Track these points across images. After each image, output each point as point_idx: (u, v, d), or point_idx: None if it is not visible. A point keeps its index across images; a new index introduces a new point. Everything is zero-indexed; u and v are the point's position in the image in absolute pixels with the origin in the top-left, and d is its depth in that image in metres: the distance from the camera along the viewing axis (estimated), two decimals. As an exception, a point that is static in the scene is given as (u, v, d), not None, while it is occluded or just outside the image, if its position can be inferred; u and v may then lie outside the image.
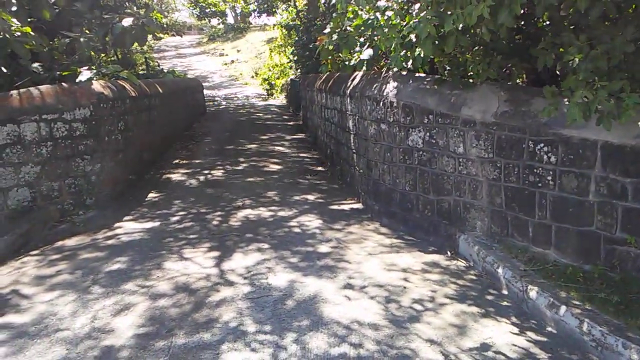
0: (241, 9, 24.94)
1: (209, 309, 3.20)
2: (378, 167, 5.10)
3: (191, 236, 4.69)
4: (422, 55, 3.67)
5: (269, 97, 21.80)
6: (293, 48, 16.38)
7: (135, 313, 3.19)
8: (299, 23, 16.73)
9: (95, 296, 3.47)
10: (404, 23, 3.81)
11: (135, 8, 11.63)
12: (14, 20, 5.66)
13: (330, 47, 5.97)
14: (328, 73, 9.42)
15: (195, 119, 14.05)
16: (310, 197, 6.04)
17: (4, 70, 6.23)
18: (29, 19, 6.09)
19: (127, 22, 7.60)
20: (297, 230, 4.79)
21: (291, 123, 13.66)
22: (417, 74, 4.71)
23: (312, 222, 5.04)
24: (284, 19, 20.29)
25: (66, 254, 4.39)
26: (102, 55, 10.52)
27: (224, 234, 4.71)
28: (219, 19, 19.22)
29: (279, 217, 5.22)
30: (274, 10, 17.54)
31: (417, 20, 3.30)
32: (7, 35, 5.50)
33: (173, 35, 23.85)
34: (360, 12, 5.41)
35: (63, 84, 5.73)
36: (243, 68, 29.45)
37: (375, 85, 5.11)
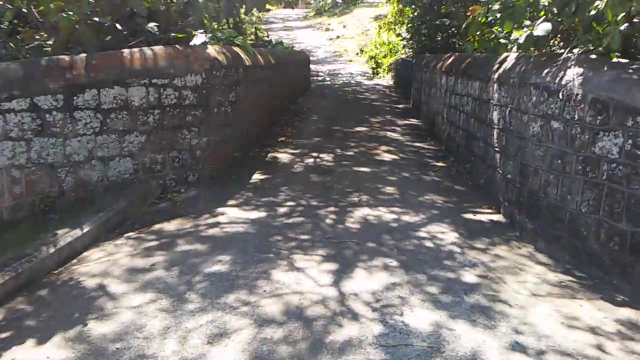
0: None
1: (330, 355, 2.41)
2: (539, 175, 4.02)
3: (302, 237, 3.96)
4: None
5: (374, 76, 20.79)
6: (409, 24, 15.14)
7: (237, 343, 2.49)
8: (417, -1, 15.45)
9: (190, 308, 2.83)
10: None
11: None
12: (131, -27, 5.18)
13: (482, 20, 4.90)
14: (457, 54, 8.26)
15: (300, 93, 13.48)
16: (437, 199, 5.08)
17: (119, 27, 5.85)
18: (146, -26, 5.62)
19: (247, -16, 6.99)
20: (428, 244, 3.88)
21: (400, 106, 12.62)
22: (614, 60, 3.55)
23: (445, 234, 4.10)
24: (399, -7, 18.99)
25: (164, 241, 3.84)
26: (214, 23, 10.14)
27: (340, 239, 3.93)
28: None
29: (403, 223, 4.34)
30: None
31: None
32: (124, -11, 5.04)
33: (283, 7, 23.41)
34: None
35: (177, 46, 5.20)
36: (348, 44, 28.61)
37: (546, 71, 3.99)
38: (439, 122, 8.41)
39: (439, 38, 12.92)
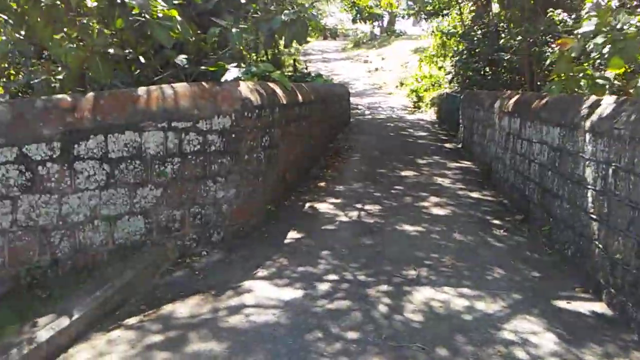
0: (396, 13, 23.27)
1: None
2: (672, 264, 2.99)
3: (349, 334, 3.02)
4: None
5: (416, 110, 19.90)
6: (456, 58, 14.29)
7: None
8: (460, 31, 14.65)
9: None
10: None
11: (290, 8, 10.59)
12: (159, -1, 4.51)
13: (573, 55, 3.97)
14: (522, 92, 7.34)
15: (340, 129, 12.71)
16: (514, 276, 4.07)
17: (142, 60, 5.20)
18: (175, 2, 4.95)
19: (287, 15, 6.28)
20: (521, 354, 2.89)
21: (448, 145, 11.64)
22: None
23: (539, 336, 3.10)
24: (443, 26, 18.27)
25: (172, 334, 2.98)
26: (253, 54, 9.54)
27: (400, 340, 2.97)
28: (378, 23, 17.84)
29: (479, 315, 3.36)
30: (442, 11, 15.67)
31: None
32: (147, 16, 4.35)
33: (324, 38, 23.04)
34: None
35: (203, 83, 4.48)
36: (387, 77, 27.95)
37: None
38: (498, 169, 7.41)
39: (489, 73, 12.03)
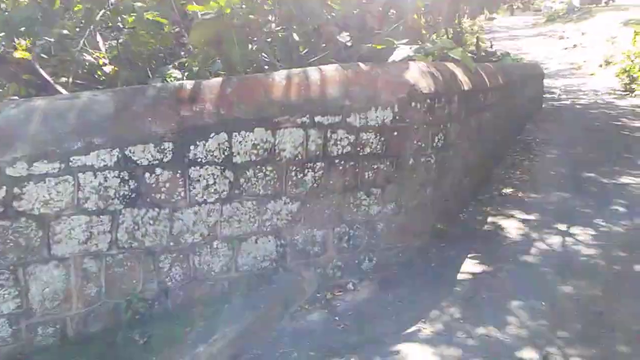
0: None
1: None
2: None
3: None
4: None
5: (627, 94, 16.32)
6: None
7: None
8: None
9: None
10: None
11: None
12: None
13: None
14: None
15: (529, 117, 10.67)
16: None
17: (295, 37, 4.39)
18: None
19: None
20: None
21: (682, 141, 8.88)
22: None
23: None
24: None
25: None
26: (434, 35, 8.22)
27: None
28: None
29: None
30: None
31: None
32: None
33: (511, 14, 20.33)
34: None
35: (360, 64, 3.45)
36: (588, 54, 23.81)
37: None
38: None
39: None
